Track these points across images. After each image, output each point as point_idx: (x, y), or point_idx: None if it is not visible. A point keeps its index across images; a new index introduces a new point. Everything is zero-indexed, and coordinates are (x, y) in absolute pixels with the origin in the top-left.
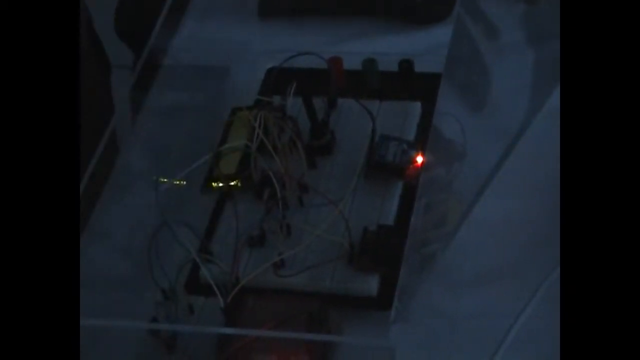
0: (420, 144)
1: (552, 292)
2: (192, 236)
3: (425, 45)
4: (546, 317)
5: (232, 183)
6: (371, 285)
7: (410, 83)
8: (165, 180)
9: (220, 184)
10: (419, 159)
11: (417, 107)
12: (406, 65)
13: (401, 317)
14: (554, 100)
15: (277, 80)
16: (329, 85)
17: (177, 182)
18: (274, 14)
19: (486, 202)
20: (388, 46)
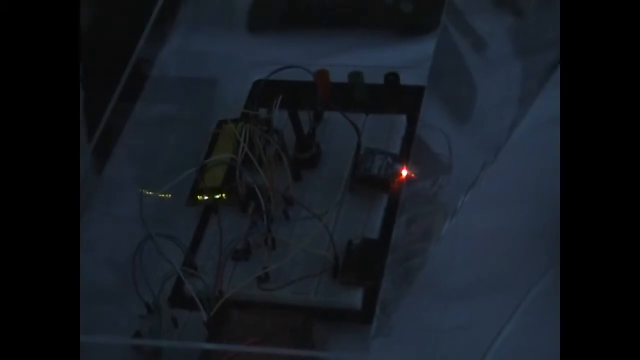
0: (405, 157)
1: (540, 303)
2: (177, 249)
3: (412, 58)
4: (537, 328)
5: (217, 196)
6: (355, 298)
7: (396, 96)
8: (150, 192)
9: (206, 197)
10: (404, 172)
11: (402, 120)
12: (392, 78)
13: (382, 331)
14: (539, 112)
15: (264, 92)
16: (315, 98)
17: (162, 195)
18: (263, 27)
19: (471, 214)
20: (374, 59)
